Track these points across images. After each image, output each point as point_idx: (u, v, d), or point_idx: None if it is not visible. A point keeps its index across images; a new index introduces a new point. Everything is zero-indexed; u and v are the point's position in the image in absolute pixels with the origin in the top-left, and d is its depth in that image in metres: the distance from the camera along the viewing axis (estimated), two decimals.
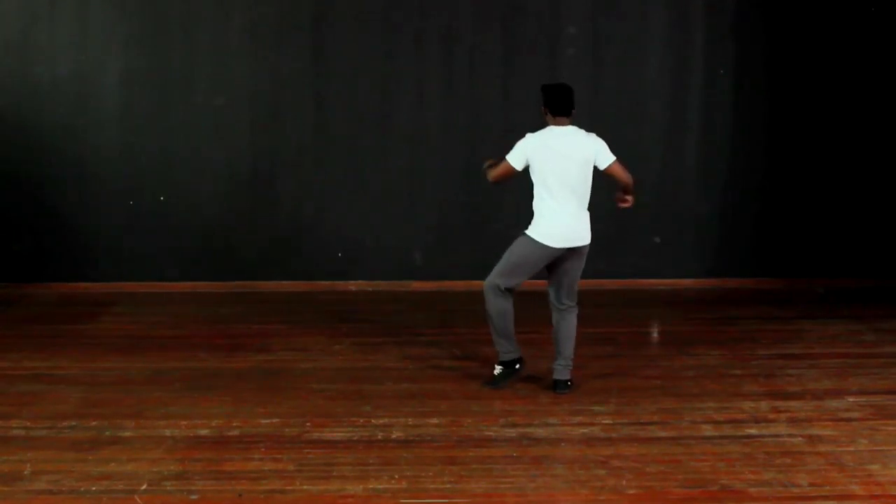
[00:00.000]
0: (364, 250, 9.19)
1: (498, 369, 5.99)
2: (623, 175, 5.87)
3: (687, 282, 9.26)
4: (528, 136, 5.78)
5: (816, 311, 8.20)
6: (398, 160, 9.13)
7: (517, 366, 5.97)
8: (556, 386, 5.87)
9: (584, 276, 8.99)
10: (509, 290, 5.82)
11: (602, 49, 9.13)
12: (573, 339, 5.92)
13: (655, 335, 7.70)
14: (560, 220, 5.73)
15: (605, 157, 5.80)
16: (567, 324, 5.90)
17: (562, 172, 5.70)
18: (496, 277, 5.82)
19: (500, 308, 5.83)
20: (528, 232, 5.79)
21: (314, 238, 9.17)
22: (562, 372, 5.90)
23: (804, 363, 6.55)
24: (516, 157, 5.74)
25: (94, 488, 4.44)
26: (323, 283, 9.14)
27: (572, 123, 5.81)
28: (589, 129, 9.04)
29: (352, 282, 9.18)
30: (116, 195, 9.02)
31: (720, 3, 9.14)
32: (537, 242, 5.74)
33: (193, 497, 4.35)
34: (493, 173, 5.87)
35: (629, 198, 6.01)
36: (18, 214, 9.01)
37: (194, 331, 7.56)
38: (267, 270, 9.15)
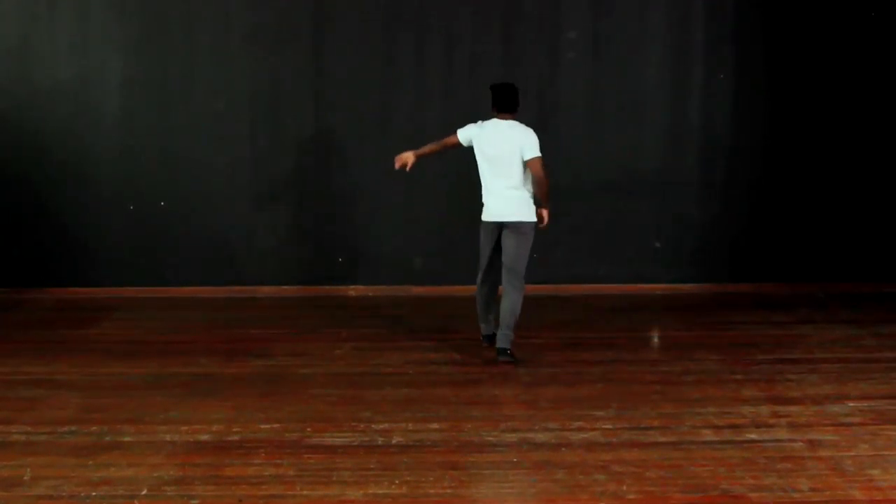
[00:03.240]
0: (364, 255, 9.20)
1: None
2: (538, 172, 6.47)
3: (687, 286, 9.26)
4: (479, 121, 6.65)
5: (817, 315, 8.20)
6: None
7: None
8: (499, 353, 6.56)
9: (584, 280, 9.23)
10: (485, 278, 6.78)
11: (602, 52, 9.14)
12: (513, 314, 6.51)
13: (655, 340, 7.69)
14: (488, 198, 6.61)
15: (529, 151, 6.46)
16: (508, 299, 6.53)
17: (492, 157, 6.52)
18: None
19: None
20: None
21: (314, 243, 9.17)
22: (503, 340, 6.54)
23: (804, 368, 6.54)
24: (464, 134, 6.66)
25: (94, 493, 4.43)
26: (323, 287, 9.14)
27: (518, 119, 6.60)
28: (589, 132, 9.15)
29: (352, 287, 9.19)
30: (116, 199, 9.02)
31: (720, 6, 9.15)
32: (481, 221, 6.71)
33: (193, 502, 4.35)
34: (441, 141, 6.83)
35: (544, 213, 6.63)
36: (18, 219, 9.01)
37: (194, 336, 7.56)
38: (267, 275, 9.15)
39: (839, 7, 9.15)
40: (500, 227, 6.60)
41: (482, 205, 6.69)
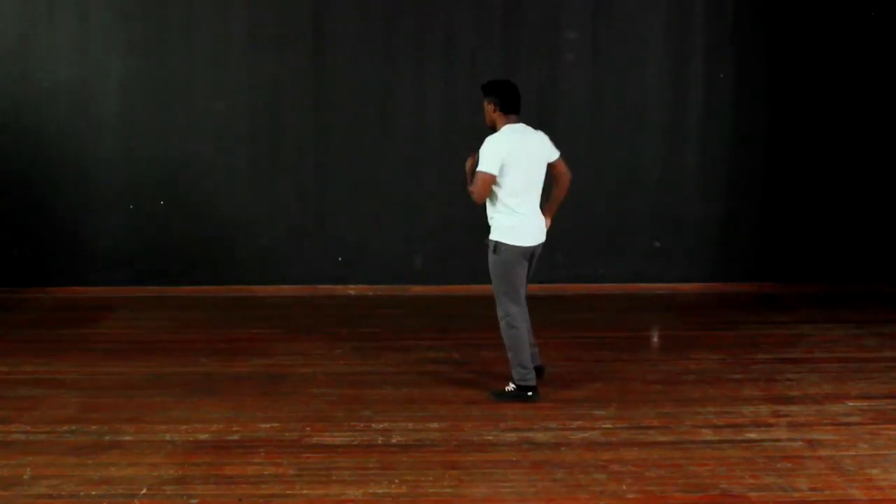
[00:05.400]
0: (364, 255, 9.19)
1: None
2: (567, 172, 5.85)
3: (687, 286, 9.26)
4: (492, 139, 5.72)
5: (817, 315, 8.20)
6: (398, 165, 9.13)
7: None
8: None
9: (584, 279, 9.22)
10: (513, 313, 5.82)
11: (602, 52, 9.14)
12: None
13: (655, 339, 7.69)
14: (524, 218, 5.77)
15: (554, 150, 5.81)
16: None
17: (527, 168, 5.71)
18: None
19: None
20: None
21: (314, 242, 9.17)
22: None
23: (804, 367, 6.55)
24: (495, 166, 5.61)
25: (93, 493, 4.44)
26: (323, 287, 9.14)
27: (522, 122, 5.77)
28: (589, 132, 9.14)
29: (352, 286, 9.19)
30: (116, 199, 9.02)
31: (720, 8, 9.14)
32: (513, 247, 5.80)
33: (193, 502, 4.35)
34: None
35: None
36: (18, 219, 9.01)
37: (194, 335, 7.56)
38: (267, 275, 9.15)
39: (839, 7, 9.15)
40: (533, 251, 5.79)
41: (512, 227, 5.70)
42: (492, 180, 5.56)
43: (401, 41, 9.07)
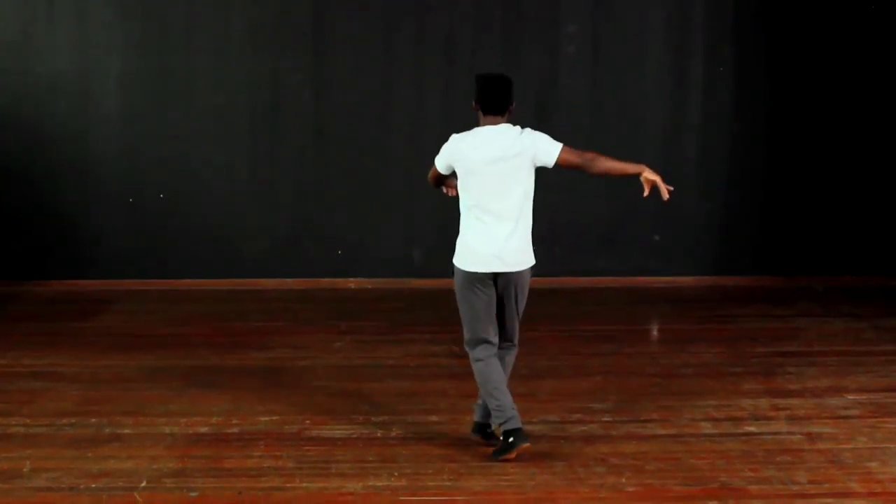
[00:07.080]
0: (364, 248, 9.19)
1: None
2: (576, 159, 4.95)
3: (686, 279, 9.25)
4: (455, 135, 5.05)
5: (816, 308, 8.20)
6: (398, 158, 9.12)
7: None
8: (522, 438, 4.73)
9: (583, 273, 9.21)
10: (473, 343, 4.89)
11: (602, 50, 9.12)
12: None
13: (655, 333, 7.70)
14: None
15: (546, 151, 4.85)
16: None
17: (485, 176, 4.81)
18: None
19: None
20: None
21: (314, 235, 9.17)
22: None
23: (804, 361, 6.55)
24: (441, 161, 5.05)
25: (93, 485, 4.44)
26: (323, 280, 9.13)
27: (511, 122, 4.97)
28: (589, 133, 9.12)
29: (352, 279, 9.18)
30: (116, 193, 9.01)
31: (720, 8, 9.13)
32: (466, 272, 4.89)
33: (193, 494, 4.35)
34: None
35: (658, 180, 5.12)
36: (18, 212, 9.00)
37: (194, 328, 7.56)
38: (267, 268, 9.14)
39: (839, 7, 9.11)
40: (495, 280, 4.78)
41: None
42: (435, 173, 5.03)
43: (401, 41, 9.05)
